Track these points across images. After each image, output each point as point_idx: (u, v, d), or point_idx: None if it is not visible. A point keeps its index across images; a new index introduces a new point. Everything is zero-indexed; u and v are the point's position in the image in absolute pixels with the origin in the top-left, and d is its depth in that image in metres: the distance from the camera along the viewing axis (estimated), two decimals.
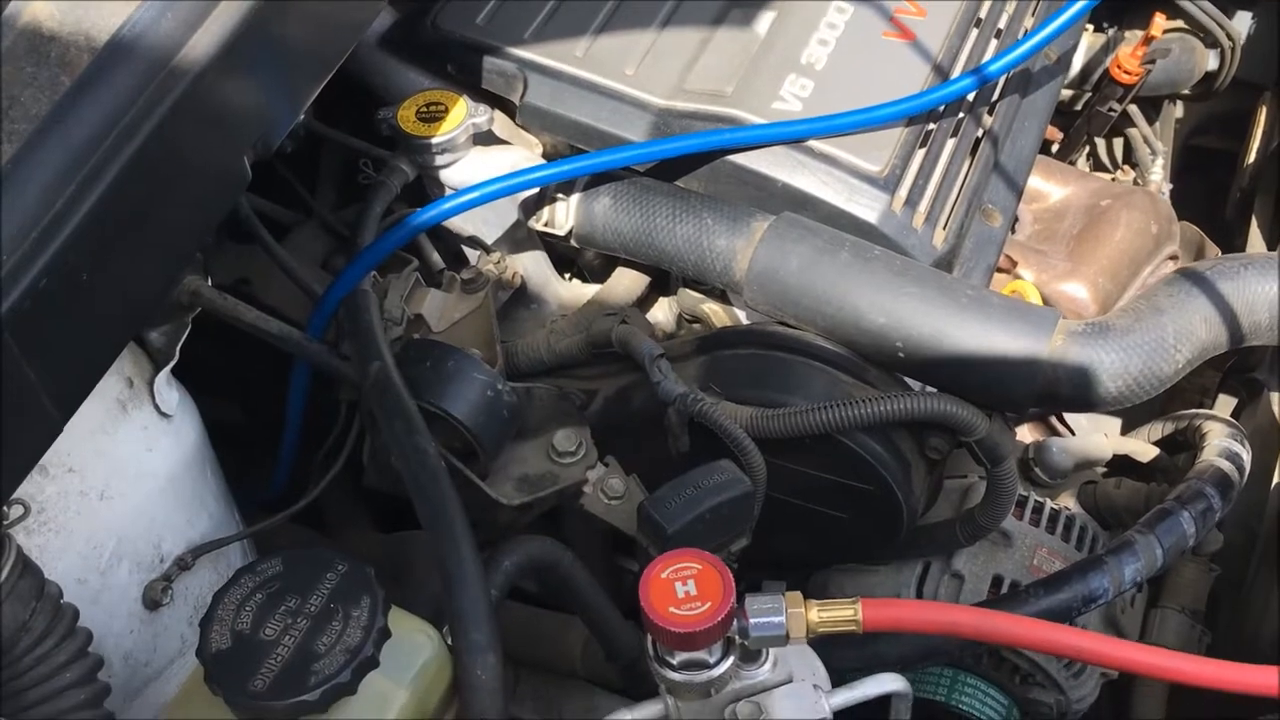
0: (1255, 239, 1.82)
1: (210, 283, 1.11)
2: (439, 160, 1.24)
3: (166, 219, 0.89)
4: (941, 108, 1.27)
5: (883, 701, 0.94)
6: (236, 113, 0.93)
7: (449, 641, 0.90)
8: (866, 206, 1.20)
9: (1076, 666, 1.26)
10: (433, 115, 1.23)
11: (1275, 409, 1.48)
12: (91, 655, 0.84)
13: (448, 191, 1.25)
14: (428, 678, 0.87)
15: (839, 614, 0.84)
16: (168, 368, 1.07)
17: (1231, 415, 1.58)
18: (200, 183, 0.92)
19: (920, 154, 1.24)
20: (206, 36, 0.86)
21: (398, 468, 1.01)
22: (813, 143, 1.21)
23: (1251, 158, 1.88)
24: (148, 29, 0.84)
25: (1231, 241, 1.86)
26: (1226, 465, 1.26)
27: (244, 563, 1.14)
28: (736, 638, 0.85)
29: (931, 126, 1.26)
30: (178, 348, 1.07)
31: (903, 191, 1.21)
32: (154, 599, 1.04)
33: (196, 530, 1.09)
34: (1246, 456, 1.29)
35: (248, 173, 0.96)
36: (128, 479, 1.01)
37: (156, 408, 1.06)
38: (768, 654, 0.88)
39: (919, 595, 1.27)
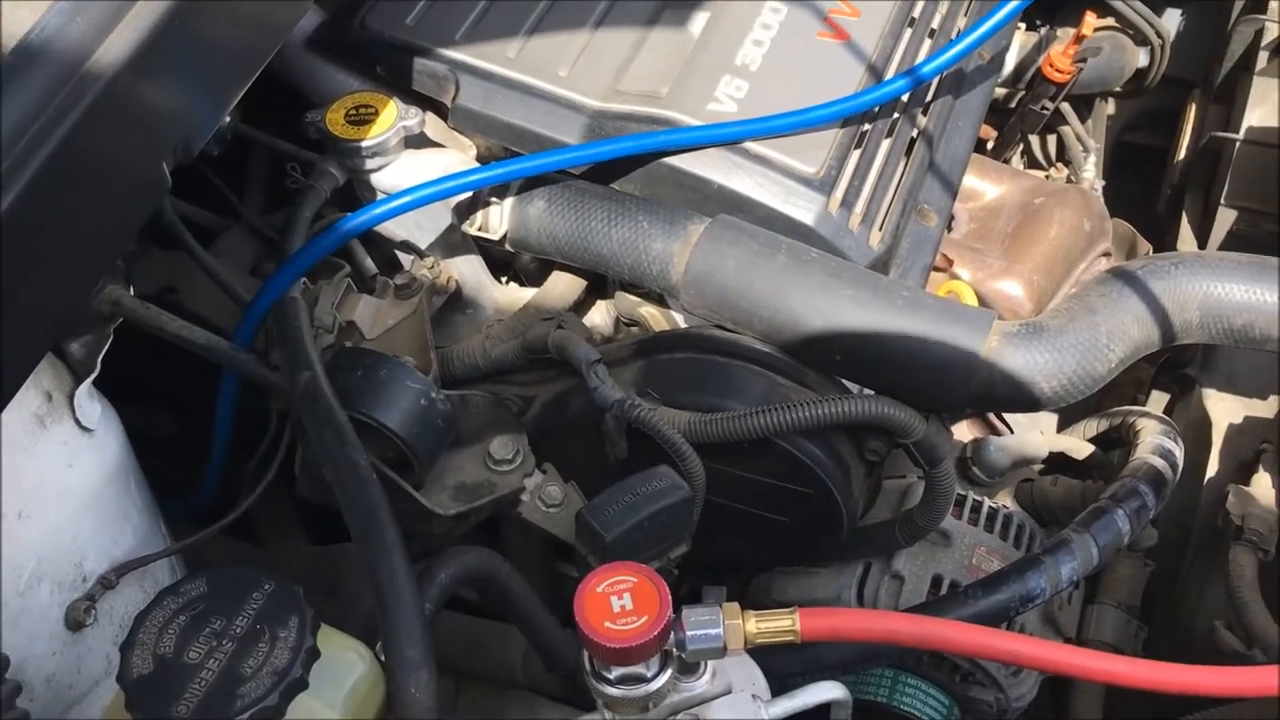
0: (1186, 234, 1.85)
1: (133, 291, 1.08)
2: (369, 164, 1.21)
3: (81, 228, 0.86)
4: (876, 108, 1.26)
5: (824, 708, 0.94)
6: (155, 117, 0.90)
7: (382, 658, 0.88)
8: (803, 208, 1.19)
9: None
10: (362, 118, 1.20)
11: (1207, 405, 1.50)
12: (9, 682, 0.81)
13: (379, 196, 1.23)
14: (359, 697, 0.85)
15: (777, 624, 0.84)
16: (89, 380, 1.03)
17: (1164, 411, 1.60)
18: (117, 190, 0.89)
19: (856, 155, 1.24)
20: (120, 40, 0.84)
21: (329, 479, 0.99)
22: (748, 144, 1.20)
23: (1182, 154, 1.91)
24: (57, 33, 0.81)
25: (1163, 237, 1.88)
26: (1160, 462, 1.27)
27: (172, 578, 1.11)
28: (674, 650, 0.84)
29: (867, 127, 1.26)
30: (99, 359, 1.04)
31: (839, 193, 1.21)
32: (77, 620, 1.00)
33: (121, 547, 1.05)
34: (1179, 453, 1.31)
35: (167, 179, 0.93)
36: (47, 497, 0.98)
37: (77, 422, 1.02)
38: (706, 665, 0.87)
39: (860, 596, 1.27)
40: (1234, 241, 1.77)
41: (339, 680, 0.84)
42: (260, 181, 1.40)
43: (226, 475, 1.26)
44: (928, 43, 1.37)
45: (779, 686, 0.93)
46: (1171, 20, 1.92)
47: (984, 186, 1.62)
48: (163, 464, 1.16)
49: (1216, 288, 1.11)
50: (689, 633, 0.83)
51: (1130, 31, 1.84)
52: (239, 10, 0.98)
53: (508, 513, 1.19)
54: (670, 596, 0.81)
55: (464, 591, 1.21)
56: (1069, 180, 1.87)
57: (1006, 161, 1.87)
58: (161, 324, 1.09)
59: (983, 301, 1.46)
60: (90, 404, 1.04)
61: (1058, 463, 1.43)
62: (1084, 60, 1.72)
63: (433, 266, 1.28)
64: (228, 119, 1.22)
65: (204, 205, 1.34)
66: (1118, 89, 1.91)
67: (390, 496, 0.96)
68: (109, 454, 1.05)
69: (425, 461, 1.13)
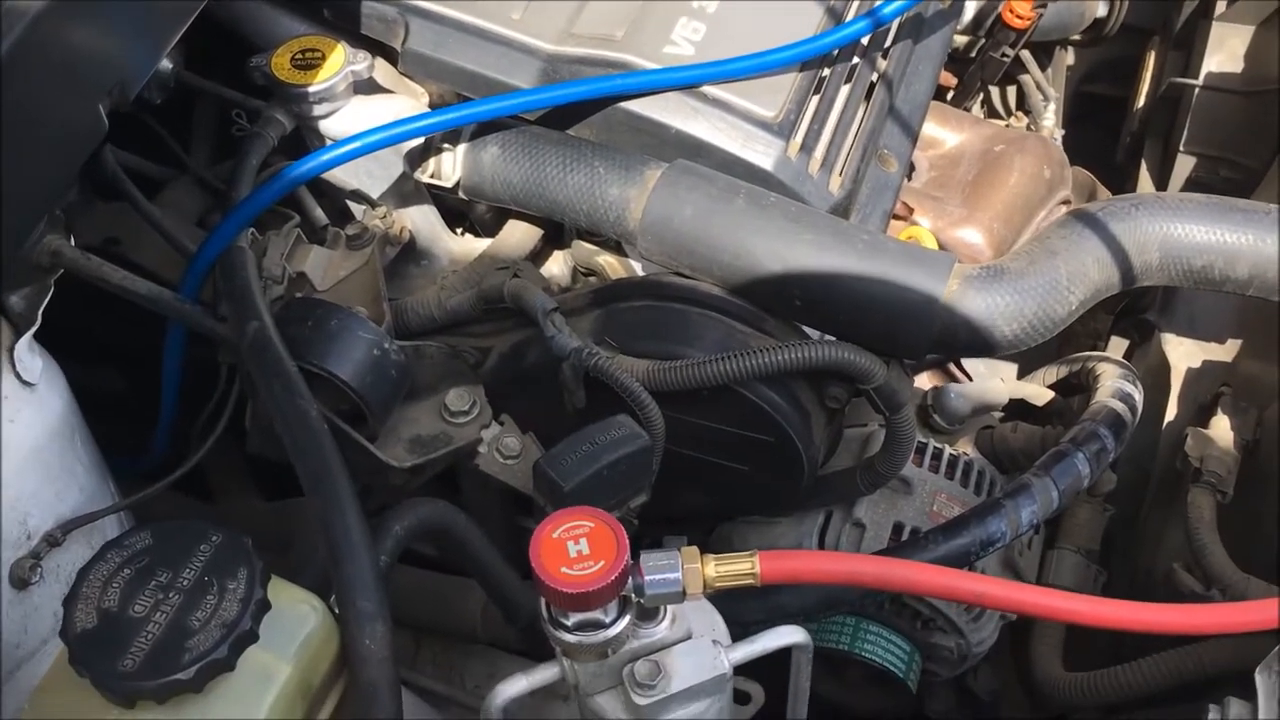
0: (1145, 182, 1.86)
1: (74, 242, 1.05)
2: (317, 110, 1.18)
3: (13, 174, 0.83)
4: (835, 52, 1.24)
5: (785, 653, 0.93)
6: (86, 58, 0.87)
7: (336, 611, 0.86)
8: (761, 153, 1.17)
9: (976, 610, 1.27)
10: (309, 63, 1.17)
11: (1166, 349, 1.50)
12: None
13: (327, 143, 1.20)
14: (312, 649, 0.83)
15: (736, 568, 0.82)
16: (29, 333, 1.00)
17: (1124, 356, 1.60)
18: (49, 135, 0.86)
19: (815, 99, 1.22)
20: None
21: (279, 432, 0.97)
22: (706, 88, 1.18)
23: (1141, 102, 1.91)
24: None
25: (1122, 185, 1.89)
26: (1119, 406, 1.27)
27: None
28: (633, 596, 0.83)
29: (826, 71, 1.24)
30: (39, 312, 1.01)
31: (798, 137, 1.19)
32: (22, 578, 0.98)
33: (67, 504, 1.03)
34: (1139, 397, 1.31)
35: (104, 123, 0.90)
36: None
37: (18, 376, 0.99)
38: (666, 611, 0.86)
39: (821, 545, 1.26)
40: (1193, 188, 1.77)
41: (291, 633, 0.82)
42: (207, 130, 1.36)
43: (177, 431, 1.23)
44: None
45: (741, 633, 0.92)
46: None
47: (944, 134, 1.61)
48: (111, 421, 1.13)
49: (1176, 229, 1.10)
50: (647, 577, 0.82)
51: None
52: None
53: (465, 465, 1.17)
54: (628, 540, 0.80)
55: (423, 546, 1.20)
56: (1029, 129, 1.86)
57: (967, 110, 1.86)
58: (103, 275, 1.06)
59: (943, 249, 1.45)
60: (31, 358, 1.01)
61: (1018, 409, 1.43)
62: (1043, 6, 1.71)
63: (385, 216, 1.25)
64: (170, 65, 1.19)
65: (150, 156, 1.31)
66: (1077, 37, 1.90)
67: (344, 450, 0.94)
68: (52, 409, 1.02)
69: (379, 413, 1.11)
